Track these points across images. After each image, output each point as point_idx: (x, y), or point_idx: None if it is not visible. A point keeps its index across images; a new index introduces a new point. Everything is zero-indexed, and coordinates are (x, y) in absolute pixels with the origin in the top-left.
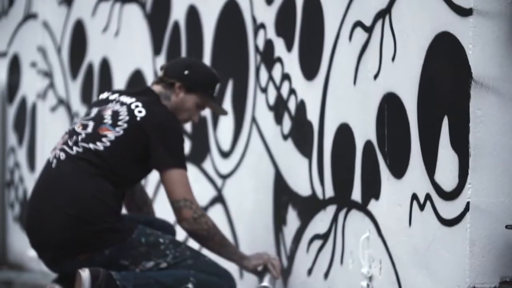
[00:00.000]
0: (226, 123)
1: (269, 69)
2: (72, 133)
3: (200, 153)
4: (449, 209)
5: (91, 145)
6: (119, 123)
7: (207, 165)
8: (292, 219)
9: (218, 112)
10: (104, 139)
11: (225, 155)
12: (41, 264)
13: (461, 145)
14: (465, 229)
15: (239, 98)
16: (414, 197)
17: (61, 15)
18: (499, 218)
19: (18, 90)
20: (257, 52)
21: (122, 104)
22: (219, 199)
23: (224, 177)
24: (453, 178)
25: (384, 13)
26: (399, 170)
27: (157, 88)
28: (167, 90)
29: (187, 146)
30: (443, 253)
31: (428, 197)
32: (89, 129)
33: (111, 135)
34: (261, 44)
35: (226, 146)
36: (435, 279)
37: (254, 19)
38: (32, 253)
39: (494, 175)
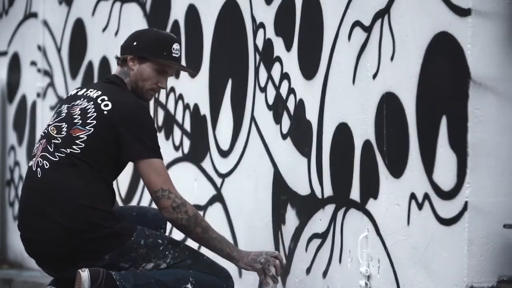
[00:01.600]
0: (226, 122)
1: (268, 68)
2: (49, 138)
3: (199, 152)
4: (448, 209)
5: (69, 150)
6: (88, 121)
7: (206, 164)
8: (291, 218)
9: (181, 70)
10: (78, 141)
11: (224, 154)
12: None
13: (459, 145)
14: (463, 228)
15: (238, 98)
16: (413, 196)
17: (61, 15)
18: (497, 218)
19: (18, 89)
20: (257, 52)
21: (90, 99)
22: (218, 198)
23: (224, 176)
24: (452, 177)
25: (383, 13)
26: (397, 169)
27: (118, 70)
28: (123, 68)
29: (186, 145)
30: (441, 252)
31: (426, 196)
32: (64, 133)
33: (83, 135)
34: (260, 43)
35: (225, 145)
36: (434, 278)
37: (253, 19)
38: None
39: (493, 175)
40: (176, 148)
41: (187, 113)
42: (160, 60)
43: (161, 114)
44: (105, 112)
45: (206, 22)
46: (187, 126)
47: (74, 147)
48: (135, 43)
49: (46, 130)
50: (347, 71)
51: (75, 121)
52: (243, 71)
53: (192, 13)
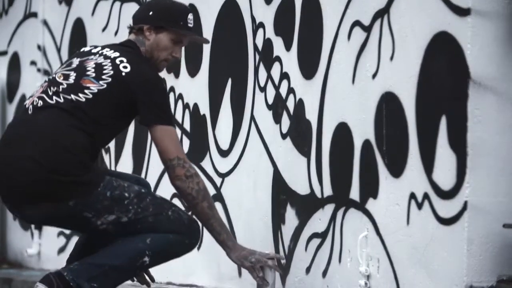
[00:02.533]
0: (225, 122)
1: (268, 68)
2: (52, 82)
3: (199, 152)
4: (447, 208)
5: (73, 96)
6: (103, 76)
7: (206, 163)
8: (291, 217)
9: (198, 41)
10: (86, 91)
11: (224, 154)
12: (40, 262)
13: (459, 145)
14: (463, 228)
15: (238, 97)
16: (412, 196)
17: (61, 14)
18: (497, 217)
19: (18, 89)
20: (256, 51)
21: (106, 57)
22: (218, 197)
23: (223, 176)
24: (451, 177)
25: (382, 13)
26: (397, 169)
27: (133, 38)
28: (138, 36)
29: (186, 144)
30: (441, 252)
31: (426, 196)
32: (71, 80)
33: (94, 87)
34: (260, 43)
35: (225, 145)
36: (433, 278)
37: (253, 18)
38: (31, 251)
39: (492, 175)
40: None
41: (187, 112)
42: (178, 29)
43: None
44: (123, 74)
45: (206, 22)
46: (187, 125)
47: (80, 95)
48: (151, 13)
49: (51, 76)
50: (347, 70)
51: (88, 73)
52: (242, 71)
53: (192, 12)
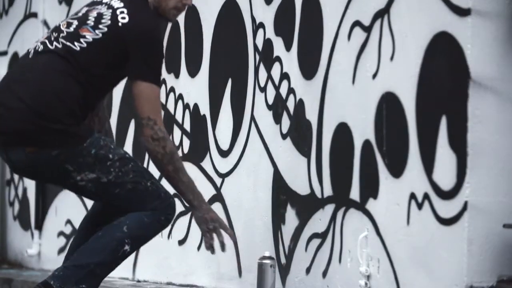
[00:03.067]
0: (225, 122)
1: (268, 68)
2: (56, 29)
3: (199, 152)
4: (447, 208)
5: (69, 44)
6: (100, 26)
7: (206, 164)
8: (291, 218)
9: None
10: (82, 40)
11: (224, 154)
12: (41, 262)
13: (459, 145)
14: (463, 228)
15: (238, 97)
16: (412, 196)
17: (61, 14)
18: (497, 217)
19: None
20: (256, 52)
21: (109, 7)
22: (218, 197)
23: (223, 176)
24: (451, 177)
25: (383, 13)
26: (397, 169)
27: None
28: None
29: (186, 145)
30: (441, 252)
31: (426, 196)
32: (72, 28)
33: (89, 36)
34: (260, 43)
35: (225, 145)
36: (433, 278)
37: (253, 19)
38: (31, 251)
39: (492, 175)
40: (176, 148)
41: (187, 113)
42: None
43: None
44: (120, 24)
45: (206, 22)
46: (187, 126)
47: (75, 43)
48: None
49: (58, 24)
50: (347, 71)
51: (88, 22)
52: (243, 71)
53: (192, 13)
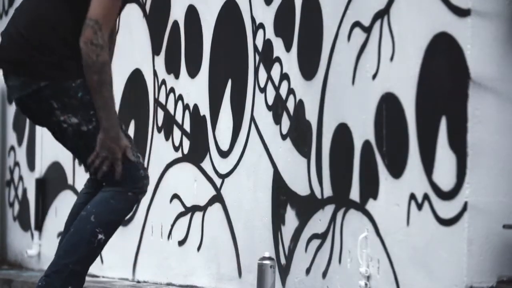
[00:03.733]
0: (225, 122)
1: (268, 69)
2: None
3: (199, 153)
4: (447, 209)
5: None
6: None
7: (206, 164)
8: (291, 218)
9: None
10: None
11: (224, 154)
12: (40, 263)
13: (459, 145)
14: (463, 228)
15: (238, 98)
16: (412, 196)
17: None
18: (497, 218)
19: None
20: (256, 52)
21: None
22: (218, 198)
23: (223, 177)
24: (451, 177)
25: (382, 14)
26: (397, 169)
27: None
28: None
29: (186, 145)
30: (441, 252)
31: (426, 196)
32: None
33: None
34: (260, 44)
35: (225, 146)
36: (433, 279)
37: (253, 19)
38: (31, 252)
39: (492, 175)
40: (176, 149)
41: (187, 113)
42: None
43: (160, 114)
44: None
45: (206, 23)
46: (187, 126)
47: None
48: None
49: None
50: (347, 71)
51: None
52: (242, 72)
53: (192, 13)
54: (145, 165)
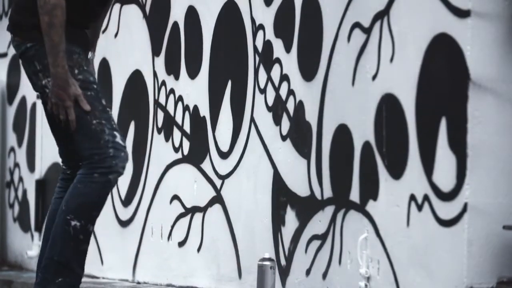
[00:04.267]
0: (225, 124)
1: (268, 70)
2: None
3: (199, 154)
4: (447, 210)
5: None
6: None
7: (206, 165)
8: (291, 219)
9: None
10: None
11: (224, 155)
12: None
13: (459, 146)
14: (463, 229)
15: (238, 99)
16: (412, 197)
17: None
18: (497, 219)
19: (18, 91)
20: (256, 53)
21: None
22: (218, 199)
23: (223, 178)
24: (451, 178)
25: (382, 14)
26: (397, 170)
27: None
28: None
29: (186, 146)
30: (441, 253)
31: (426, 197)
32: None
33: None
34: (260, 45)
35: (225, 147)
36: (433, 279)
37: (253, 20)
38: (31, 253)
39: (492, 176)
40: (176, 150)
41: (187, 114)
42: None
43: (160, 115)
44: None
45: (206, 24)
46: (187, 127)
47: None
48: None
49: None
50: (347, 72)
51: None
52: (242, 73)
53: (192, 14)
54: (146, 167)
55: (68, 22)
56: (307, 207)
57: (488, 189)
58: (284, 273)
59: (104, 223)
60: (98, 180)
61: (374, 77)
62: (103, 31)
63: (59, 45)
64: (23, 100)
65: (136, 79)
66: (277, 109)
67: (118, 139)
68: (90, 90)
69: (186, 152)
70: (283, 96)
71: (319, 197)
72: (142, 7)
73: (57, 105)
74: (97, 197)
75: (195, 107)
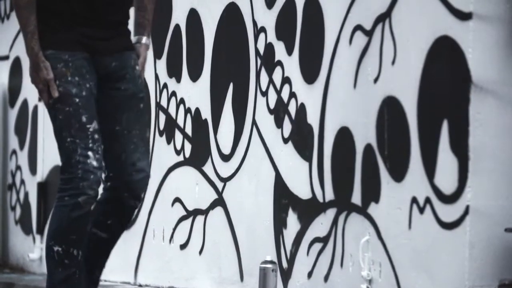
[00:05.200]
0: (227, 126)
1: (270, 72)
2: None
3: (201, 156)
4: (449, 212)
5: None
6: None
7: (207, 168)
8: (292, 222)
9: None
10: None
11: (225, 158)
12: (42, 267)
13: (460, 149)
14: (465, 232)
15: (239, 102)
16: (414, 200)
17: None
18: (499, 221)
19: (20, 94)
20: (258, 56)
21: None
22: (219, 202)
23: (225, 180)
24: (453, 181)
25: (384, 17)
26: (399, 173)
27: None
28: None
29: (187, 149)
30: (442, 256)
31: (427, 200)
32: None
33: None
34: (261, 47)
35: (226, 149)
36: (435, 282)
37: (254, 23)
38: (33, 255)
39: (494, 179)
40: (178, 152)
41: (189, 117)
42: None
43: (162, 118)
44: None
45: (207, 26)
46: (189, 130)
47: None
48: None
49: None
50: (348, 75)
51: None
52: (244, 75)
53: (193, 17)
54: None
55: (54, 22)
56: (309, 210)
57: (489, 191)
58: (286, 275)
59: None
60: (68, 203)
61: (376, 80)
62: None
63: (26, 27)
64: (25, 102)
65: None
66: (278, 112)
67: (91, 159)
68: (69, 105)
69: (187, 154)
70: (285, 99)
71: (320, 199)
72: None
73: (35, 85)
74: (69, 221)
75: (197, 110)
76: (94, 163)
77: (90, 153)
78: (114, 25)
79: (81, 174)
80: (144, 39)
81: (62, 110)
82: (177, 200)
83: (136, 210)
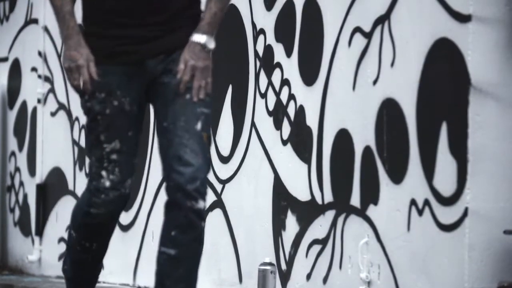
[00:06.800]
0: (226, 128)
1: (269, 74)
2: None
3: None
4: (448, 214)
5: None
6: None
7: None
8: (291, 224)
9: None
10: None
11: (224, 160)
12: (41, 268)
13: (459, 151)
14: (464, 234)
15: (238, 103)
16: (413, 202)
17: None
18: (498, 223)
19: (19, 95)
20: (257, 58)
21: None
22: (218, 204)
23: (224, 182)
24: (452, 183)
25: (383, 19)
26: (398, 175)
27: None
28: None
29: None
30: (441, 258)
31: (426, 202)
32: None
33: None
34: (260, 49)
35: (225, 151)
36: (434, 284)
37: (253, 25)
38: (32, 257)
39: (493, 181)
40: None
41: None
42: None
43: None
44: None
45: None
46: None
47: None
48: None
49: None
50: (348, 77)
51: None
52: (243, 77)
53: None
54: (146, 171)
55: (89, 24)
56: (308, 212)
57: (489, 193)
58: (285, 277)
59: None
60: (84, 205)
61: (375, 82)
62: None
63: (62, 7)
64: (24, 104)
65: None
66: (277, 114)
67: (104, 179)
68: (91, 122)
69: None
70: (284, 101)
71: (319, 201)
72: None
73: (70, 70)
74: (82, 221)
75: None
76: (107, 184)
77: (103, 173)
78: (162, 21)
79: (93, 191)
80: (196, 36)
81: (88, 124)
82: None
83: (201, 216)
